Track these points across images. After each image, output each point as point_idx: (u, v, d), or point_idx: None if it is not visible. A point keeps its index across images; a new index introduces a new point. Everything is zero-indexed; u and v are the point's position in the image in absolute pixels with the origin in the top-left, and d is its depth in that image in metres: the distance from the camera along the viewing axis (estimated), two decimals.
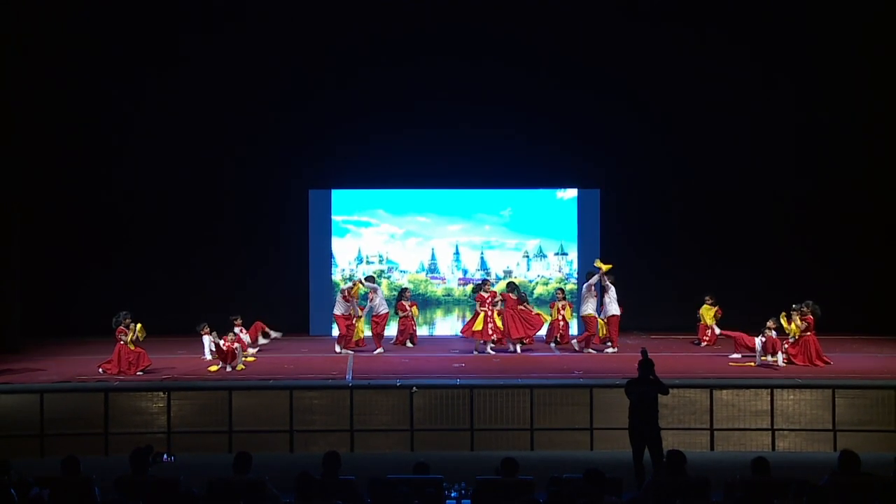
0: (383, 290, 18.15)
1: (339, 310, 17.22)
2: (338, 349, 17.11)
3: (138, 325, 14.85)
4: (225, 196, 19.66)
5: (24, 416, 13.29)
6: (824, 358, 15.35)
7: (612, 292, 16.81)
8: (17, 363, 15.53)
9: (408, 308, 18.01)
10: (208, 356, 15.96)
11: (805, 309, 15.41)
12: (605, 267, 16.75)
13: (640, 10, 19.29)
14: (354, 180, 19.79)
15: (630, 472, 10.97)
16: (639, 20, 19.29)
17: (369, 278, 17.76)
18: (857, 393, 13.61)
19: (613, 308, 16.85)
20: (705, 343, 17.64)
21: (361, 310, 17.56)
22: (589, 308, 16.94)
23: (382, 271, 19.56)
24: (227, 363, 15.07)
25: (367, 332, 17.59)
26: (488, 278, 18.63)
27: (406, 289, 18.47)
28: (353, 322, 17.25)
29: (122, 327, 14.75)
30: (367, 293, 17.61)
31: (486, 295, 16.83)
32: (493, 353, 16.82)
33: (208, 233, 19.54)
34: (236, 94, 19.32)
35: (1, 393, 13.51)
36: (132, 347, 14.68)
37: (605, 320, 16.95)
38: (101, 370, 14.63)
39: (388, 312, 17.60)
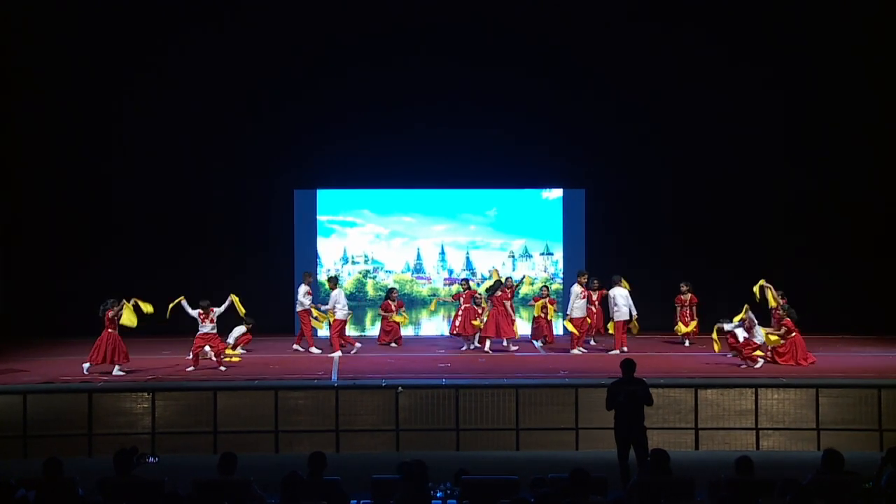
0: (369, 290, 18.10)
1: (303, 307, 17.06)
2: (297, 347, 17.16)
3: (132, 302, 14.68)
4: (210, 196, 19.60)
5: (7, 418, 13.20)
6: (809, 357, 15.41)
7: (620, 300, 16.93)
8: (0, 364, 15.43)
9: (394, 309, 17.97)
10: (231, 340, 16.21)
11: (781, 312, 15.44)
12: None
13: (627, 12, 19.35)
14: (340, 180, 19.77)
15: (615, 472, 10.99)
16: (626, 22, 19.36)
17: (332, 279, 17.21)
18: (841, 392, 13.67)
19: (624, 313, 16.95)
20: (689, 336, 17.60)
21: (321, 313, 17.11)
22: (577, 312, 16.94)
23: (368, 271, 19.54)
24: (195, 365, 15.05)
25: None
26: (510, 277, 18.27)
27: (393, 289, 18.41)
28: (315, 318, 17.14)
29: (109, 310, 14.61)
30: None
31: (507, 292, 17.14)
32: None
33: (194, 233, 19.48)
34: (222, 93, 19.28)
35: None
36: (134, 321, 14.50)
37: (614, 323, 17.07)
38: (86, 365, 14.44)
39: (347, 318, 16.93)
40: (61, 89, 19.09)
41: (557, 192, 19.95)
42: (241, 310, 15.97)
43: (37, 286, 18.97)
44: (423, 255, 20.05)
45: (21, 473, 9.31)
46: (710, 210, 19.83)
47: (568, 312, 17.00)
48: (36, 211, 19.22)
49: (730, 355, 15.95)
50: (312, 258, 19.61)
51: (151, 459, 12.74)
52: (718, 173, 19.76)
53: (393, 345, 17.90)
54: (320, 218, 19.79)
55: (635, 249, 19.63)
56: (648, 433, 11.42)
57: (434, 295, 19.82)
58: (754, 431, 13.63)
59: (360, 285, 19.91)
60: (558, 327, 18.63)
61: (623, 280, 17.10)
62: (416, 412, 13.59)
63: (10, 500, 8.33)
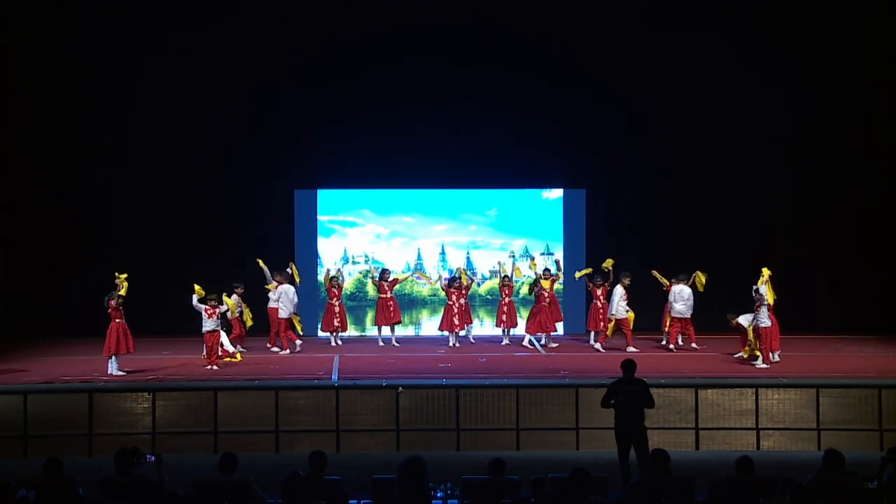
0: (369, 290, 18.11)
1: (273, 304, 17.17)
2: (276, 349, 17.18)
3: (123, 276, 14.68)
4: (211, 196, 19.60)
5: (7, 418, 13.21)
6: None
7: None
8: (0, 364, 15.43)
9: (387, 289, 17.82)
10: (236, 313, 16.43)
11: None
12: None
13: (626, 12, 19.35)
14: (340, 180, 19.77)
15: (615, 472, 10.99)
16: (626, 22, 19.36)
17: (284, 274, 17.35)
18: (841, 392, 13.68)
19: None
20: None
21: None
22: (621, 312, 17.00)
23: (367, 271, 19.53)
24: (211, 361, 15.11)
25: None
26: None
27: (386, 269, 18.30)
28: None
29: (111, 300, 14.58)
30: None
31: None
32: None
33: (194, 233, 19.47)
34: (222, 93, 19.26)
35: None
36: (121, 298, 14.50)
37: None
38: (113, 364, 14.44)
39: (289, 317, 17.09)
40: (61, 89, 19.08)
41: (557, 192, 19.95)
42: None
43: (37, 286, 18.95)
44: (424, 255, 20.05)
45: (21, 473, 9.30)
46: (710, 210, 19.82)
47: (612, 313, 16.99)
48: (36, 211, 19.20)
49: (739, 355, 15.97)
50: (312, 258, 19.61)
51: (150, 459, 12.77)
52: (718, 173, 19.75)
53: (388, 332, 17.85)
54: (320, 218, 19.78)
55: (635, 249, 19.56)
56: (648, 433, 11.43)
57: (434, 295, 19.84)
58: (755, 431, 13.64)
59: (360, 285, 19.91)
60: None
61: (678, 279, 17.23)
62: (417, 412, 13.59)
63: (10, 500, 8.32)
